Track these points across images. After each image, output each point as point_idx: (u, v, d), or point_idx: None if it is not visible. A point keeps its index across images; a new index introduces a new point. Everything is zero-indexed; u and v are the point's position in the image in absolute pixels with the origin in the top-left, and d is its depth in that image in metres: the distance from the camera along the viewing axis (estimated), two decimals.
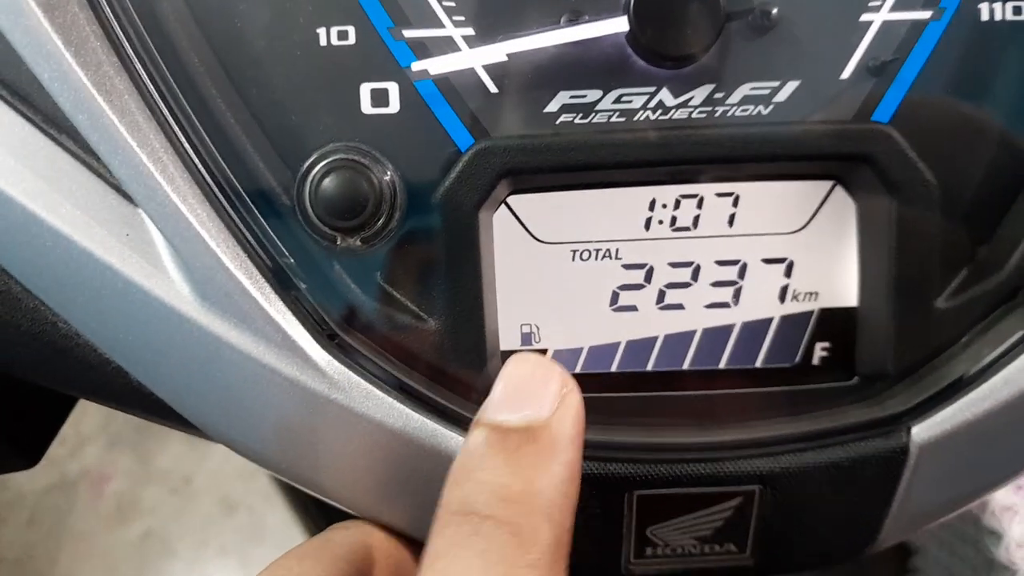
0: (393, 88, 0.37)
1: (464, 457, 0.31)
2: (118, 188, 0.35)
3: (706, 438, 0.37)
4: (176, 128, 0.35)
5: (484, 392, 0.35)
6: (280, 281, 0.36)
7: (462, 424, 0.35)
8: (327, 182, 0.36)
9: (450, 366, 0.38)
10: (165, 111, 0.35)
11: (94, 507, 1.86)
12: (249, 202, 0.36)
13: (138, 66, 0.35)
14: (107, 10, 0.35)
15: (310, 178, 0.36)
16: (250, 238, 0.36)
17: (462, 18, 0.37)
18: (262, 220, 0.36)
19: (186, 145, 0.35)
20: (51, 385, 0.41)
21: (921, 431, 0.36)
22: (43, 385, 0.41)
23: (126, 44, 0.35)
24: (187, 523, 1.82)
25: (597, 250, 0.39)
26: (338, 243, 0.37)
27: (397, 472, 0.36)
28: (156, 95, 0.35)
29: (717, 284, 0.39)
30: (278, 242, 0.37)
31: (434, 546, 0.28)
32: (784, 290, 0.39)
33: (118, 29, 0.35)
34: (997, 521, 1.05)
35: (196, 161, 0.35)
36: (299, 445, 0.36)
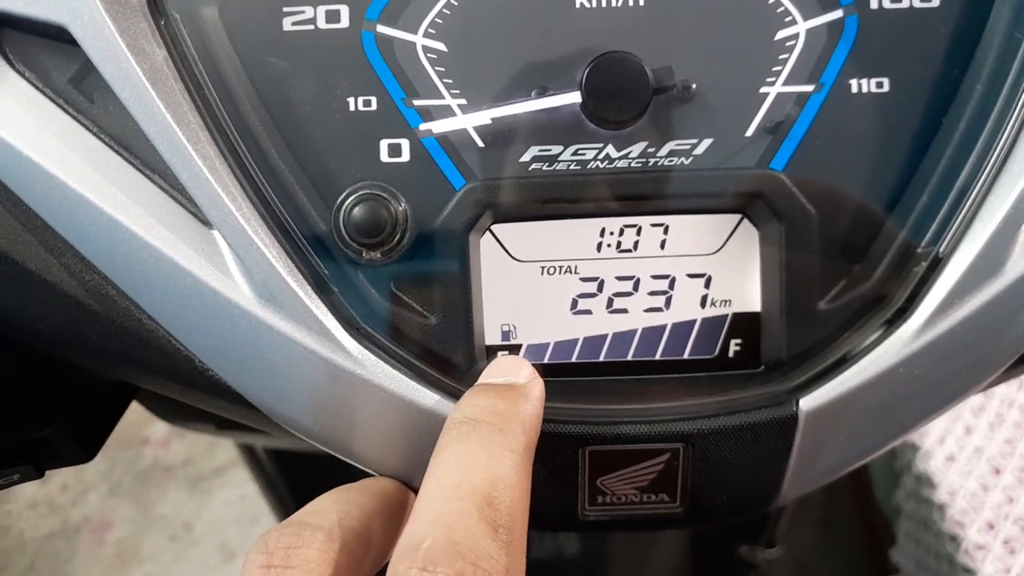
0: (405, 143, 0.44)
1: (465, 395, 0.40)
2: (198, 215, 0.41)
3: (643, 406, 0.43)
4: (243, 171, 0.42)
5: (473, 372, 0.43)
6: (319, 286, 0.42)
7: (456, 396, 0.41)
8: (356, 211, 0.43)
9: (446, 354, 0.44)
10: (235, 159, 0.42)
11: (95, 554, 1.83)
12: (296, 227, 0.43)
13: (216, 126, 0.42)
14: (195, 86, 0.42)
15: (343, 208, 0.43)
16: (297, 253, 0.42)
17: (457, 91, 0.44)
18: (305, 240, 0.43)
19: (251, 184, 0.42)
20: (131, 372, 0.47)
21: (807, 402, 0.42)
22: (122, 375, 0.48)
23: (209, 110, 0.42)
24: (186, 570, 1.81)
25: (560, 267, 0.45)
26: (363, 256, 0.43)
27: (405, 432, 0.42)
28: (229, 147, 0.42)
29: (653, 293, 0.45)
30: (317, 256, 0.43)
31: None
32: (704, 298, 0.45)
33: (203, 99, 0.42)
34: (971, 559, 1.07)
35: (258, 196, 0.42)
36: (330, 412, 0.42)
